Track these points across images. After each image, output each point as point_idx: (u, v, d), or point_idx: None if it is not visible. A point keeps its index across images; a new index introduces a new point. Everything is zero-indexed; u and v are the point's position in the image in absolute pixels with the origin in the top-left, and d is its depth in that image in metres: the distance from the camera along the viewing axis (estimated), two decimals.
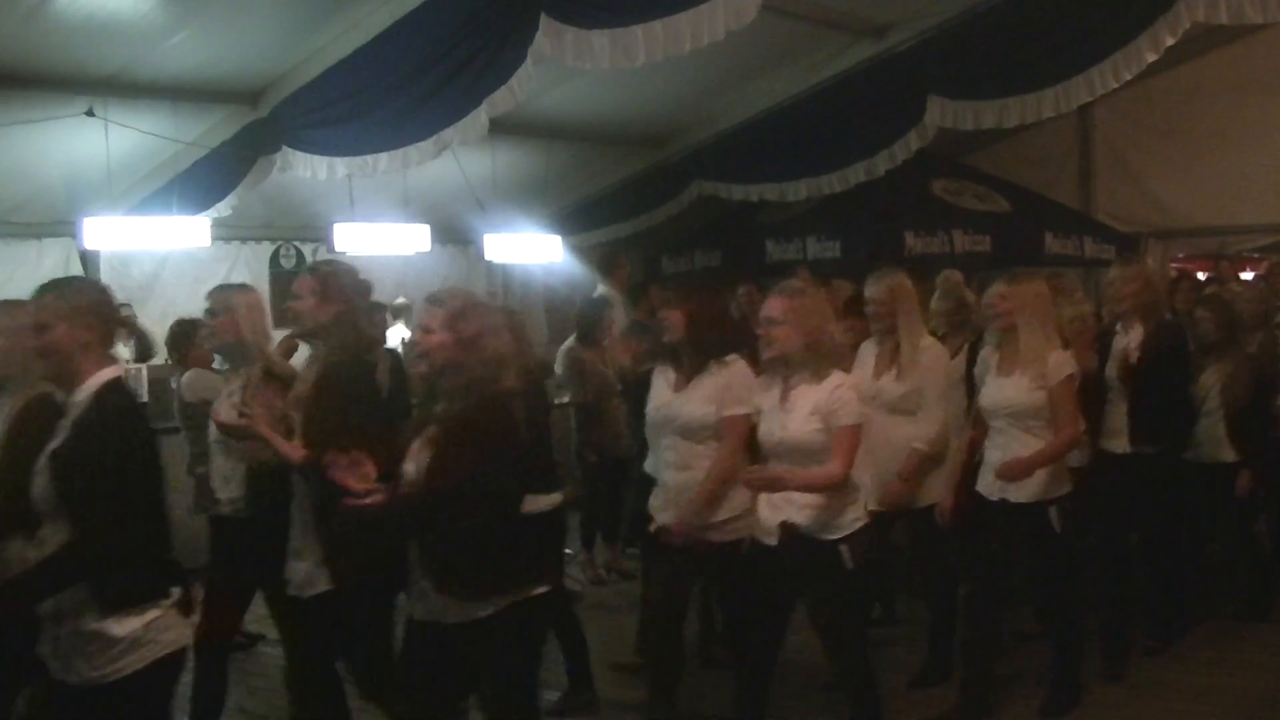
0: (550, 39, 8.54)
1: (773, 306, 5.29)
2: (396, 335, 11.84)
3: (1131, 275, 7.00)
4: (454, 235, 12.95)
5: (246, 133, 9.65)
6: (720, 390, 5.64)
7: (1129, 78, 10.70)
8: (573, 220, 13.47)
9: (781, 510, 5.25)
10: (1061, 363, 5.95)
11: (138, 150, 9.58)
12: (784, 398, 5.29)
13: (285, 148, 9.51)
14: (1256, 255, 14.89)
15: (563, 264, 13.15)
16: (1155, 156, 14.46)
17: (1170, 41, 10.32)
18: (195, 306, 10.68)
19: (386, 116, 9.17)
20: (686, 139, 13.20)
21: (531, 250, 12.78)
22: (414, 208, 11.52)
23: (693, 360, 5.76)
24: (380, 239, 11.34)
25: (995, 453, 6.05)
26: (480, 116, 8.91)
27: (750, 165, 12.77)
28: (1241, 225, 13.57)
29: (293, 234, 12.29)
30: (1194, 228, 13.80)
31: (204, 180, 9.79)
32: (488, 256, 12.66)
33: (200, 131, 9.72)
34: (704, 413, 5.66)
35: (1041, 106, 10.99)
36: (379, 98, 9.14)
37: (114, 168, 9.46)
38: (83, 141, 9.19)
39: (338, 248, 11.07)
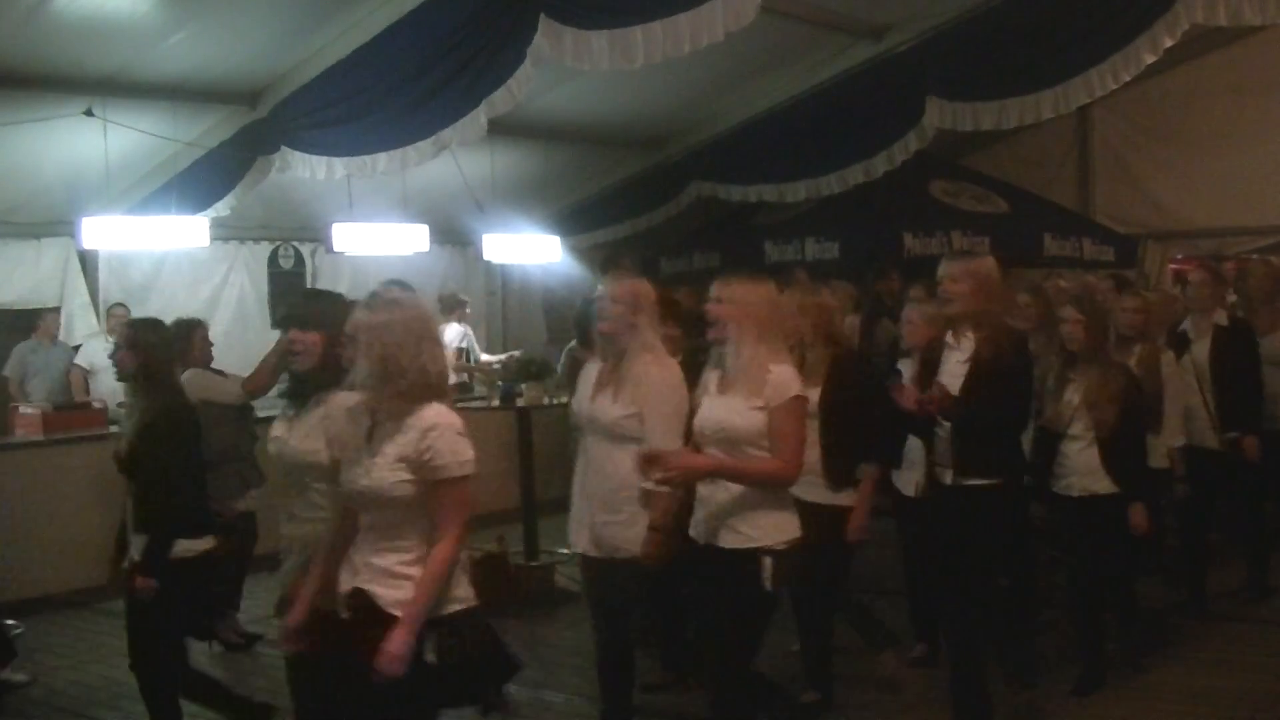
0: (549, 40, 8.56)
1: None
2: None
3: (960, 273, 5.71)
4: (453, 236, 12.96)
5: (245, 133, 9.66)
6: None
7: (1128, 79, 10.70)
8: (571, 221, 13.48)
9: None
10: (786, 381, 4.86)
11: (137, 150, 9.59)
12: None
13: (284, 148, 9.52)
14: (1255, 257, 14.88)
15: (561, 264, 13.15)
16: (1154, 158, 14.47)
17: (1169, 43, 10.32)
18: (194, 306, 10.80)
19: (385, 117, 9.18)
20: (685, 140, 13.21)
21: (530, 251, 12.78)
22: (413, 208, 11.53)
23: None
24: (379, 239, 11.35)
25: (704, 488, 5.00)
26: (479, 117, 8.92)
27: (749, 166, 12.77)
28: (1240, 227, 13.57)
29: (291, 234, 12.30)
30: (1192, 229, 13.79)
31: (203, 180, 9.80)
32: (486, 257, 12.66)
33: (199, 131, 9.73)
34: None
35: (1040, 108, 10.99)
36: (378, 98, 9.14)
37: (113, 167, 9.47)
38: (82, 141, 9.20)
39: (336, 248, 11.09)
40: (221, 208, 9.96)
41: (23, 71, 8.52)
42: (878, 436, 6.14)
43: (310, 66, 9.36)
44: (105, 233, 9.70)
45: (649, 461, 4.75)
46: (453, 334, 12.09)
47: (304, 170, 9.59)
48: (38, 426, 9.29)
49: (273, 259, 12.30)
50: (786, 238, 12.72)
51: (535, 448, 9.09)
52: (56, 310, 10.69)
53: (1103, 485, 6.20)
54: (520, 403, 8.99)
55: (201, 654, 6.92)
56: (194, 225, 9.84)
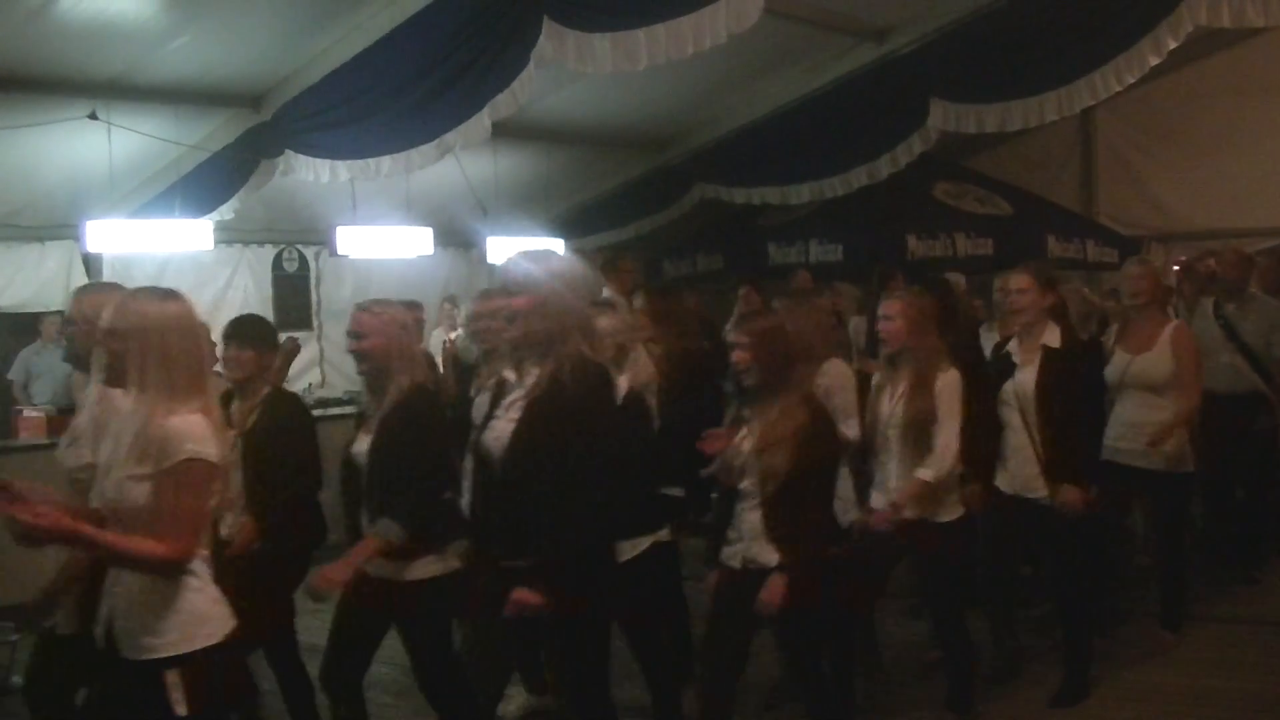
0: (552, 42, 8.56)
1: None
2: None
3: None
4: (456, 238, 12.97)
5: (249, 136, 9.66)
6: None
7: (1131, 81, 10.69)
8: (575, 223, 13.50)
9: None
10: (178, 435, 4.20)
11: (140, 153, 9.60)
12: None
13: (288, 151, 9.52)
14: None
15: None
16: (1157, 159, 14.48)
17: (1173, 44, 10.32)
18: (198, 310, 10.78)
19: (389, 120, 9.18)
20: (688, 142, 13.21)
21: None
22: (416, 211, 11.53)
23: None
24: (382, 242, 11.36)
25: None
26: (483, 120, 8.93)
27: (752, 168, 12.78)
28: (1243, 228, 13.54)
29: (295, 237, 12.31)
30: (1196, 230, 13.78)
31: (206, 183, 9.80)
32: (490, 259, 12.67)
33: (203, 135, 9.74)
34: None
35: (1044, 110, 10.99)
36: (381, 101, 9.15)
37: (117, 171, 9.48)
38: (85, 144, 9.21)
39: (340, 251, 11.10)
40: (225, 211, 9.96)
41: (26, 74, 8.52)
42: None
43: (314, 69, 9.36)
44: (109, 236, 9.72)
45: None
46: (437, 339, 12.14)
47: (307, 173, 9.59)
48: (42, 429, 9.32)
49: (277, 262, 12.31)
50: (790, 240, 12.75)
51: None
52: (59, 313, 10.71)
53: (766, 555, 5.00)
54: None
55: None
56: (198, 228, 9.85)
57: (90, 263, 10.69)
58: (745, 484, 5.06)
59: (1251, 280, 8.84)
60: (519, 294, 4.39)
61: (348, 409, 9.57)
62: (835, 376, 6.13)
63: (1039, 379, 6.19)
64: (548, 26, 8.52)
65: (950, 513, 5.85)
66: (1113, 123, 14.60)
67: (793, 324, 5.73)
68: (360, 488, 5.13)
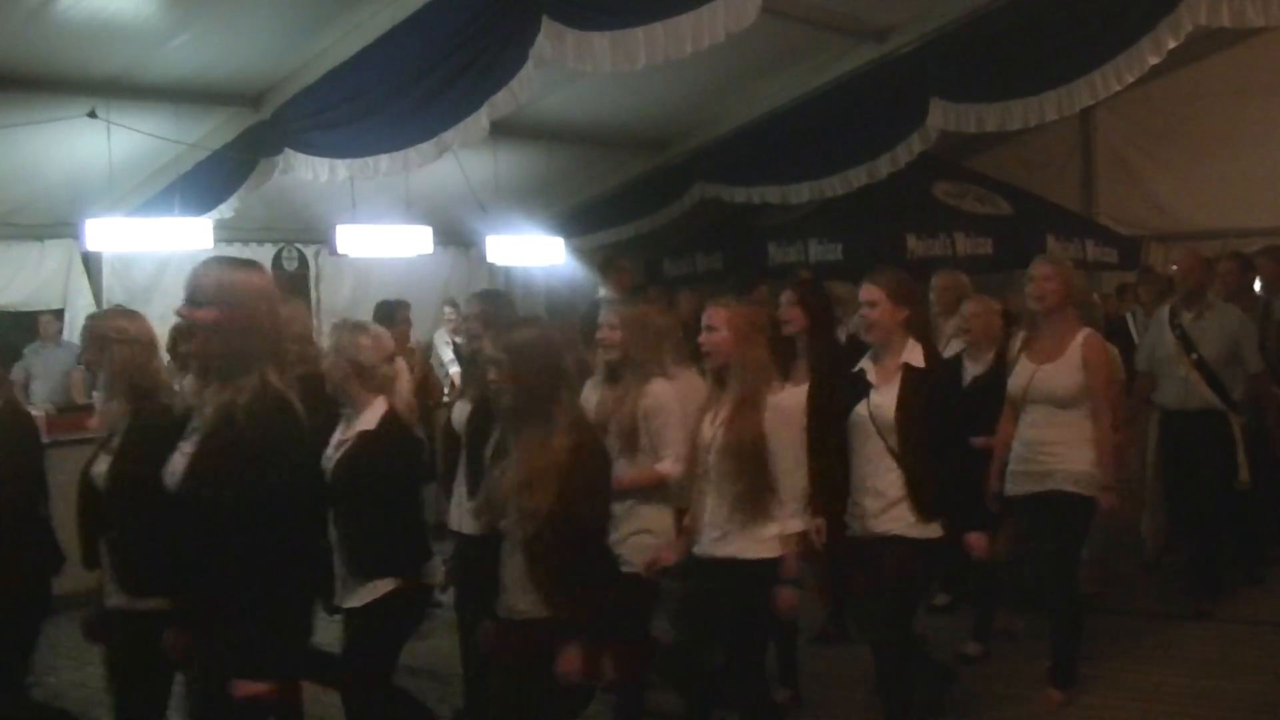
0: (551, 41, 8.56)
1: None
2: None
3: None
4: (456, 237, 12.97)
5: (248, 135, 9.66)
6: None
7: (1131, 81, 10.68)
8: (574, 223, 13.49)
9: None
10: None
11: (140, 152, 9.60)
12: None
13: (287, 150, 9.53)
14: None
15: (564, 266, 13.16)
16: (1157, 159, 14.49)
17: (1172, 44, 10.31)
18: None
19: (388, 119, 9.18)
20: (688, 141, 13.22)
21: (533, 253, 12.79)
22: (416, 210, 11.53)
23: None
24: (382, 241, 11.35)
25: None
26: (481, 119, 8.93)
27: (752, 168, 12.78)
28: (1243, 228, 13.54)
29: (295, 236, 12.31)
30: (1195, 230, 13.77)
31: (206, 182, 9.80)
32: (489, 259, 12.67)
33: (202, 133, 9.74)
34: None
35: (1044, 109, 10.98)
36: (380, 100, 9.15)
37: (116, 169, 9.48)
38: (85, 143, 9.21)
39: (339, 249, 11.09)
40: (225, 209, 9.96)
41: (26, 73, 8.53)
42: None
43: (313, 68, 9.37)
44: (109, 234, 9.71)
45: None
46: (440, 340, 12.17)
47: (307, 172, 9.59)
48: (43, 428, 9.29)
49: (276, 261, 12.30)
50: (790, 239, 12.74)
51: None
52: (53, 313, 10.71)
53: (526, 604, 4.36)
54: None
55: None
56: (197, 227, 9.84)
57: (90, 261, 10.70)
58: (505, 524, 4.40)
59: (1212, 286, 8.19)
60: (206, 306, 3.83)
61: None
62: (658, 398, 5.56)
63: (900, 401, 5.37)
64: (547, 25, 8.52)
65: (763, 549, 5.08)
66: (1113, 122, 14.60)
67: (626, 332, 5.64)
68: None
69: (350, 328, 5.19)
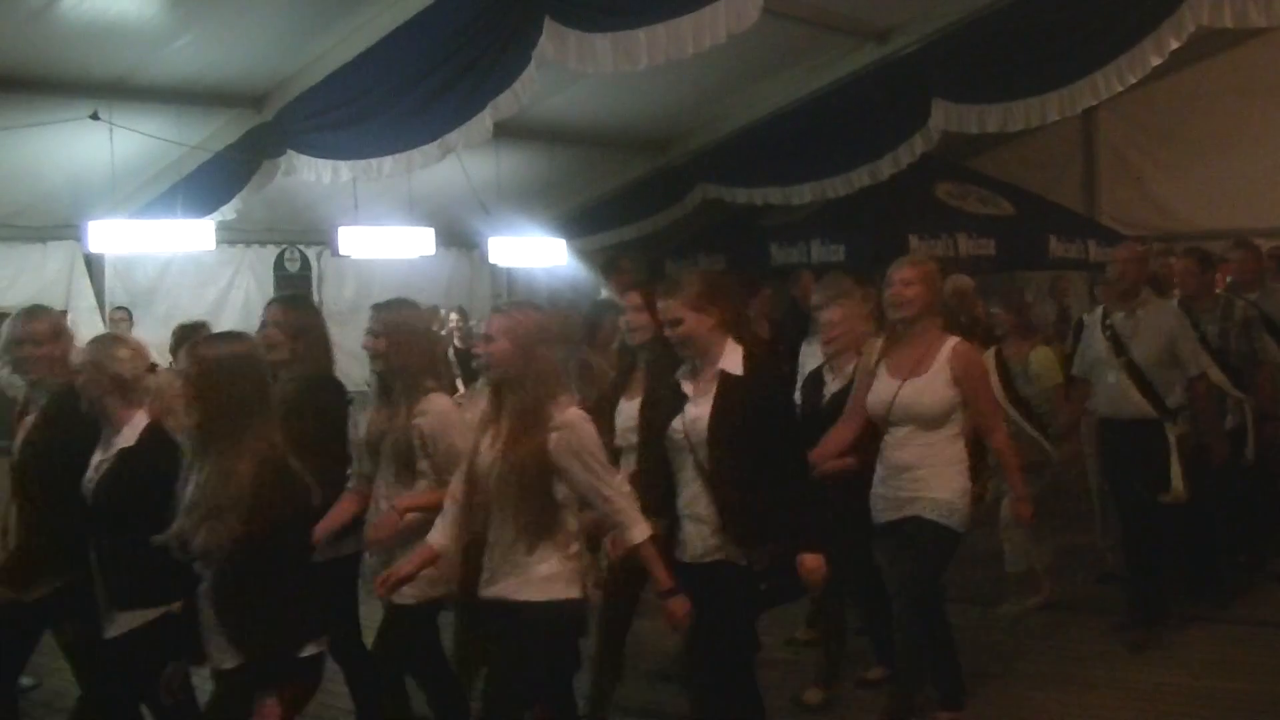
0: (553, 42, 8.58)
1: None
2: None
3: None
4: (458, 239, 12.99)
5: (251, 136, 9.68)
6: None
7: (1134, 81, 10.68)
8: (577, 224, 13.50)
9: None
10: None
11: (142, 154, 9.61)
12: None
13: (290, 151, 9.54)
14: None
15: (567, 268, 13.17)
16: (1159, 160, 14.49)
17: (1175, 45, 10.31)
18: (199, 310, 10.82)
19: (390, 120, 9.20)
20: (690, 143, 13.22)
21: (536, 254, 12.79)
22: (418, 211, 11.54)
23: None
24: (384, 242, 11.36)
25: None
26: (484, 120, 8.95)
27: (754, 169, 12.79)
28: (1245, 229, 13.47)
29: (297, 237, 12.33)
30: (1197, 231, 13.77)
31: (208, 184, 9.82)
32: (492, 260, 12.68)
33: (205, 135, 9.75)
34: None
35: (1046, 110, 10.99)
36: (383, 101, 9.17)
37: (119, 171, 9.48)
38: (87, 145, 9.22)
39: (342, 251, 11.10)
40: (227, 211, 9.98)
41: (28, 75, 8.54)
42: None
43: (315, 70, 9.38)
44: (111, 236, 9.72)
45: None
46: None
47: (309, 173, 9.61)
48: None
49: (279, 262, 12.32)
50: (792, 240, 12.76)
51: None
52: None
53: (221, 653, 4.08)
54: None
55: None
56: (200, 229, 9.85)
57: (92, 263, 10.71)
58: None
59: (1145, 283, 7.39)
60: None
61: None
62: (438, 416, 5.12)
63: (715, 412, 4.74)
64: (549, 27, 8.54)
65: (542, 590, 4.41)
66: (1114, 123, 14.60)
67: (389, 341, 5.10)
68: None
69: (107, 341, 4.97)
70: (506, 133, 10.00)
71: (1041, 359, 7.74)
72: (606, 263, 10.99)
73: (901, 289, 5.59)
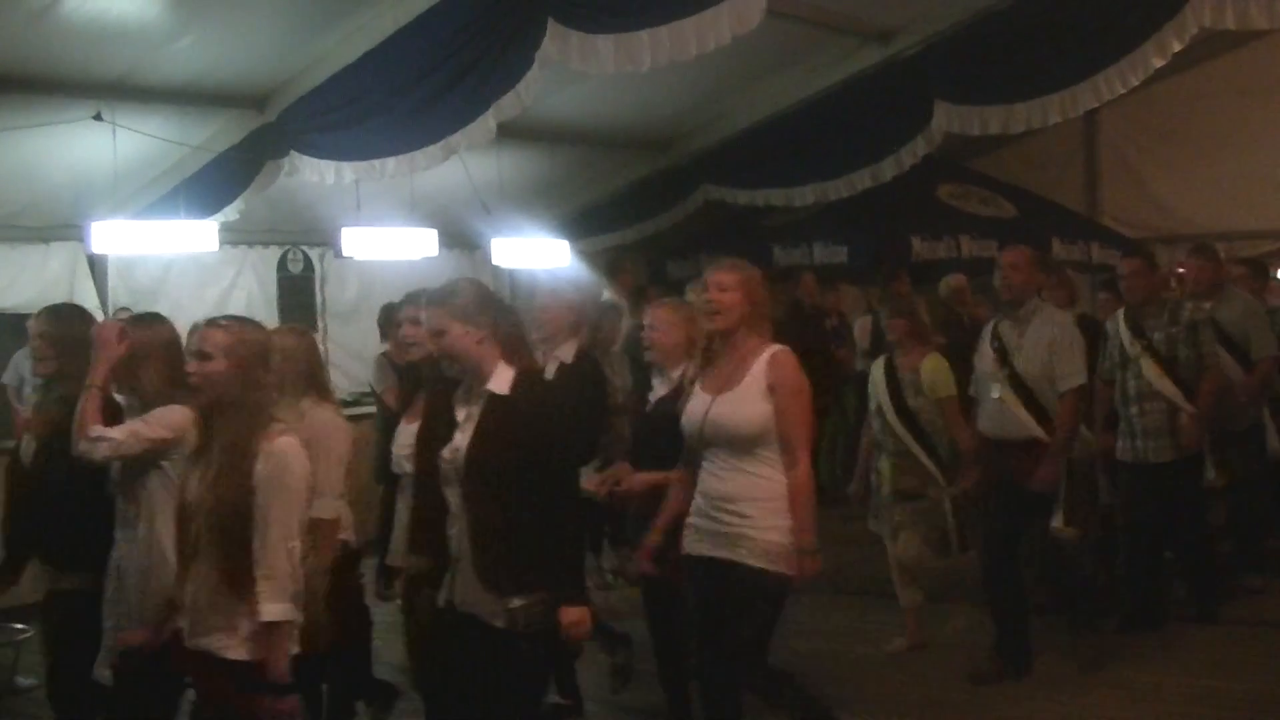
0: (556, 43, 8.59)
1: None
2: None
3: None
4: (461, 240, 12.98)
5: (253, 137, 9.67)
6: None
7: (1136, 83, 10.67)
8: (579, 225, 13.49)
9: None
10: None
11: (145, 154, 9.61)
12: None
13: (292, 152, 9.54)
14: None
15: (570, 269, 13.16)
16: (1161, 161, 14.50)
17: (1177, 47, 10.29)
18: (202, 311, 10.80)
19: (393, 121, 9.20)
20: (692, 144, 13.21)
21: (538, 255, 12.79)
22: (421, 212, 11.53)
23: None
24: (387, 243, 11.35)
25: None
26: (487, 121, 8.95)
27: (756, 170, 12.78)
28: (1248, 230, 13.57)
29: (300, 238, 12.32)
30: (1199, 232, 13.79)
31: (211, 184, 9.82)
32: (495, 261, 12.68)
33: (207, 135, 9.76)
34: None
35: (1048, 112, 10.98)
36: (386, 102, 9.17)
37: (121, 171, 9.49)
38: (90, 145, 9.22)
39: (345, 252, 11.11)
40: (230, 212, 9.96)
41: (30, 75, 8.53)
42: None
43: (318, 70, 9.38)
44: (113, 237, 9.71)
45: None
46: None
47: (312, 174, 9.61)
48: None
49: (281, 263, 12.31)
50: (794, 241, 12.79)
51: None
52: None
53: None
54: None
55: None
56: (202, 230, 9.85)
57: (95, 264, 10.71)
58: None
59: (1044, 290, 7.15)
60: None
61: (353, 410, 9.58)
62: (322, 427, 4.96)
63: (475, 436, 4.31)
64: (551, 27, 8.55)
65: (242, 649, 3.99)
66: (1116, 124, 14.60)
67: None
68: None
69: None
70: (508, 133, 9.99)
71: (933, 368, 7.10)
72: (609, 264, 11.02)
73: (719, 295, 4.91)
